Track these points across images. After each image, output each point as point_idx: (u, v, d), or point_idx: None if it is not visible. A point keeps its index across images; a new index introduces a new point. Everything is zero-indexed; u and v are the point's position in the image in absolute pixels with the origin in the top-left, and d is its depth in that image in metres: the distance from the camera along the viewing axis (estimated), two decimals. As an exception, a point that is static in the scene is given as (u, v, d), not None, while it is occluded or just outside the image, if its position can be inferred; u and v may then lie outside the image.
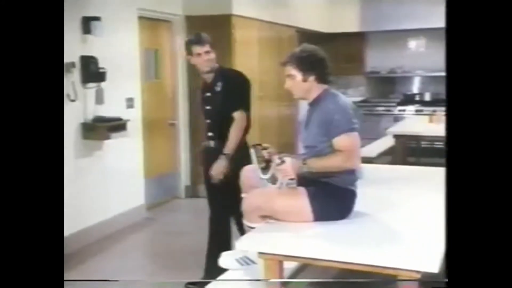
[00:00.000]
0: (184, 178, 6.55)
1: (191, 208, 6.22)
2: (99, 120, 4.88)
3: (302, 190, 2.73)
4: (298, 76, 2.78)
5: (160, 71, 6.29)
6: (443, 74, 1.62)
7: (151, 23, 6.00)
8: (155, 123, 6.06)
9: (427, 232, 2.54)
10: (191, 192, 6.50)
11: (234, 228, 3.70)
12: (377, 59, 9.48)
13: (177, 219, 5.88)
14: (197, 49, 3.56)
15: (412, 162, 6.90)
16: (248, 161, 2.91)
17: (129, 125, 5.09)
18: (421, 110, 8.72)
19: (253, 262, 2.81)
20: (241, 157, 3.35)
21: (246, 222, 2.88)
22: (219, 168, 3.53)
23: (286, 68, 2.81)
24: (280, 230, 2.67)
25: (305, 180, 2.75)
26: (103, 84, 4.88)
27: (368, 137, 6.15)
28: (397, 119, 8.66)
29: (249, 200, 2.84)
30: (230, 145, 3.54)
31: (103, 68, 4.85)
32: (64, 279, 1.67)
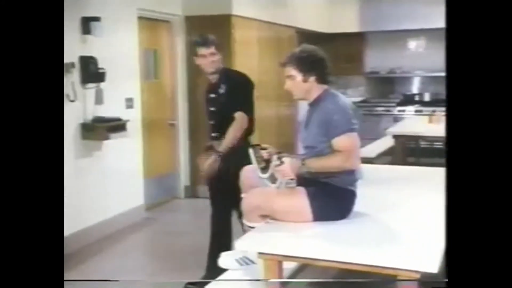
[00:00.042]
0: (183, 178, 6.54)
1: (191, 208, 6.23)
2: (99, 120, 4.87)
3: (301, 190, 2.73)
4: (298, 76, 2.77)
5: (159, 71, 6.28)
6: (443, 74, 1.63)
7: (150, 23, 5.99)
8: (154, 123, 6.05)
9: (426, 232, 2.54)
10: (191, 192, 6.50)
11: (236, 228, 3.70)
12: (376, 59, 9.47)
13: (176, 219, 5.88)
14: (202, 50, 3.56)
15: (412, 162, 6.91)
16: (249, 162, 2.91)
17: (128, 125, 5.08)
18: (420, 111, 8.73)
19: (252, 262, 2.80)
20: (241, 157, 3.35)
21: (245, 222, 2.88)
22: (208, 164, 3.52)
23: (286, 69, 2.81)
24: (280, 230, 2.67)
25: (305, 180, 2.75)
26: (102, 84, 4.88)
27: (368, 137, 6.15)
28: (396, 119, 8.66)
29: (249, 200, 2.84)
30: (225, 143, 3.53)
31: (102, 68, 4.85)
32: (64, 279, 1.67)
